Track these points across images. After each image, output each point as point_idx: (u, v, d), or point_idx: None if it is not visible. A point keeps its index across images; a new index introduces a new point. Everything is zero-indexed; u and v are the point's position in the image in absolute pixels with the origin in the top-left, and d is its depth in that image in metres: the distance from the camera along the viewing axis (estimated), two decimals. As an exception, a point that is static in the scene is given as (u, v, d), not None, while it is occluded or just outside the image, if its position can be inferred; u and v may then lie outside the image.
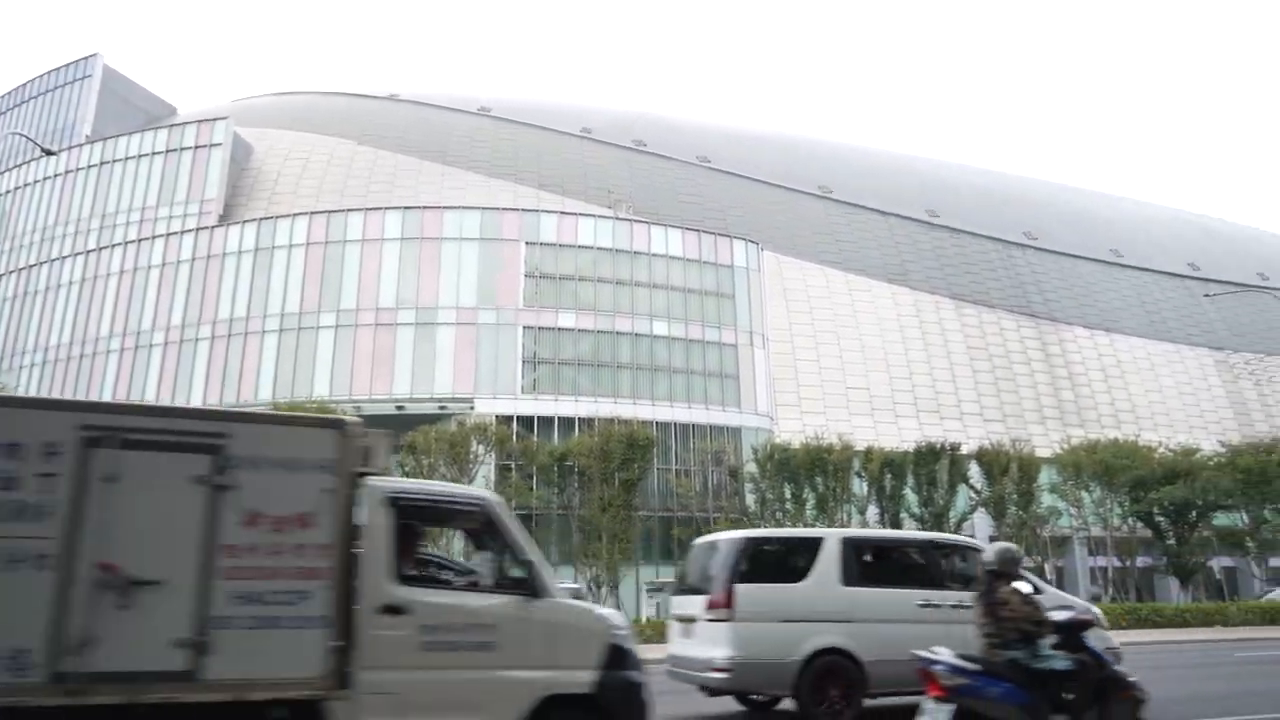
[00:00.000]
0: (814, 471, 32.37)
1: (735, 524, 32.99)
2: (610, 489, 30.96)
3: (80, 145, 52.01)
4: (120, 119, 56.80)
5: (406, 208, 43.29)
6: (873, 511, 33.79)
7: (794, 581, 9.87)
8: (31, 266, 48.54)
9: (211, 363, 40.84)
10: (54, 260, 47.64)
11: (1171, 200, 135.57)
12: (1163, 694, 9.86)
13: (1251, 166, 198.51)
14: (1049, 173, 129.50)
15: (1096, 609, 12.19)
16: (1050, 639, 6.82)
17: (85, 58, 60.21)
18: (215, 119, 50.54)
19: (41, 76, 61.34)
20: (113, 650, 5.27)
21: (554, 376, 40.49)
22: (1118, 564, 35.91)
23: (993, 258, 59.83)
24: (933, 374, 52.06)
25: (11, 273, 49.45)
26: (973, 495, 34.84)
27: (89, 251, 46.52)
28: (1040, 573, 30.11)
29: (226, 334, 41.22)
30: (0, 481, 5.28)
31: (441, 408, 38.49)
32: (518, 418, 38.23)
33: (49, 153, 40.29)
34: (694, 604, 10.07)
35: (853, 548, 10.26)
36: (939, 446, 33.87)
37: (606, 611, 7.22)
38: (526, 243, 42.16)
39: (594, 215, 45.50)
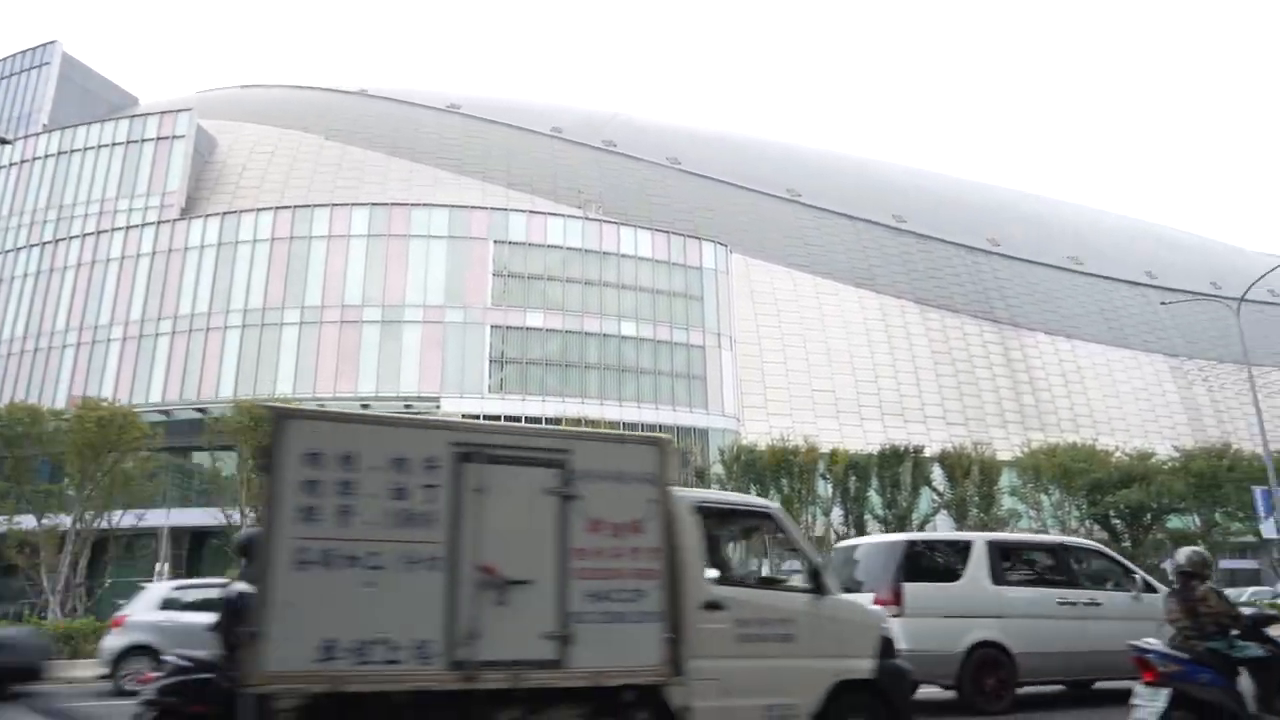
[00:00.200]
0: (780, 473, 32.54)
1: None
2: (577, 489, 30.90)
3: (37, 134, 50.80)
4: (79, 108, 55.56)
5: (374, 204, 42.88)
6: (837, 513, 34.06)
7: (950, 581, 10.74)
8: (-15, 258, 47.35)
9: (172, 358, 40.13)
10: (8, 252, 46.52)
11: (1127, 209, 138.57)
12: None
13: (1202, 177, 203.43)
14: (1011, 180, 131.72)
15: None
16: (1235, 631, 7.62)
17: (43, 44, 58.82)
18: (179, 110, 49.63)
19: (-3, 63, 59.86)
20: (495, 641, 5.91)
21: (521, 376, 40.36)
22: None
23: (957, 263, 60.69)
24: (897, 377, 52.68)
25: (-37, 264, 48.20)
26: (935, 497, 35.27)
27: (45, 243, 45.47)
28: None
29: (188, 329, 40.53)
30: (393, 492, 5.86)
31: (407, 406, 38.18)
32: (484, 417, 38.05)
33: (3, 141, 39.36)
34: None
35: (997, 550, 11.18)
36: (903, 449, 34.22)
37: (876, 608, 8.07)
38: (495, 241, 41.98)
39: (563, 215, 45.42)
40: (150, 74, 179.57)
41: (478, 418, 37.46)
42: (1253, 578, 42.52)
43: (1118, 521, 35.05)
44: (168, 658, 7.22)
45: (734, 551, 9.97)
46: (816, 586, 7.36)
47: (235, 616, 6.58)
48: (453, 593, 5.88)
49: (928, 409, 52.17)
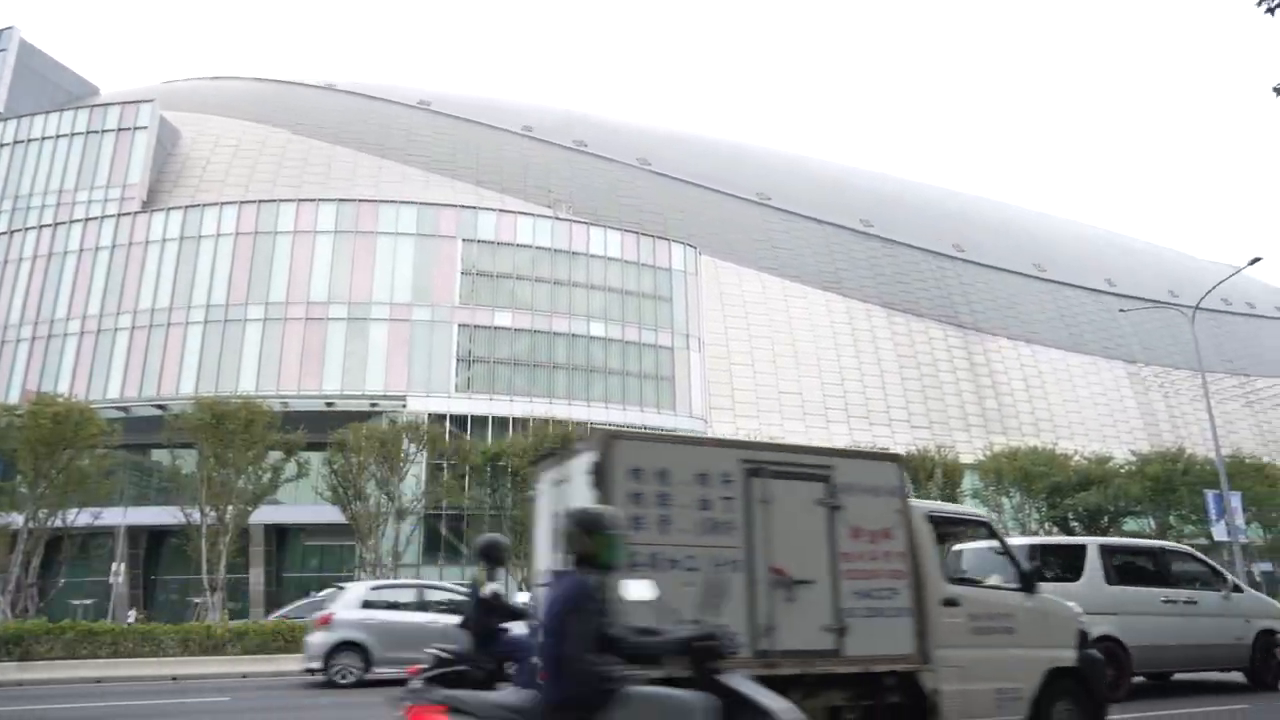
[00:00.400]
0: (746, 474, 32.69)
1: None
2: (543, 489, 30.79)
3: (-7, 123, 49.53)
4: (37, 97, 54.29)
5: (341, 200, 42.41)
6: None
7: (1068, 581, 11.50)
8: (-64, 248, 46.05)
9: (131, 354, 39.36)
10: (-39, 242, 45.27)
11: (1088, 217, 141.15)
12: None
13: (1160, 186, 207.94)
14: (977, 187, 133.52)
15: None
16: None
17: (0, 30, 57.38)
18: (141, 101, 48.69)
19: (-49, 49, 58.22)
20: (787, 633, 6.70)
21: (489, 375, 40.15)
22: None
23: (923, 268, 61.45)
24: (863, 380, 53.21)
25: (-86, 254, 46.83)
26: (899, 499, 35.67)
27: (0, 234, 44.36)
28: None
29: (148, 325, 39.78)
30: (699, 503, 6.62)
31: (373, 405, 37.81)
32: (451, 417, 37.80)
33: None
34: None
35: (1109, 553, 12.28)
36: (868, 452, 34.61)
37: (1073, 604, 8.75)
38: (464, 240, 41.73)
39: (533, 214, 45.27)
40: (112, 64, 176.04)
41: (444, 417, 37.25)
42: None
43: (1076, 524, 35.74)
44: (430, 650, 8.08)
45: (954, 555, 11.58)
46: (1026, 585, 8.19)
47: (490, 613, 7.93)
48: (752, 591, 6.66)
49: (893, 412, 52.76)
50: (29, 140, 47.40)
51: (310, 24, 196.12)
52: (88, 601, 34.71)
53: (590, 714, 3.93)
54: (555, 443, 31.37)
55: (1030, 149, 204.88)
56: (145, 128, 46.87)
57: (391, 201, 42.75)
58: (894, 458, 8.13)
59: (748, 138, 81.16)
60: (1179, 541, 36.43)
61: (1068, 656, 8.04)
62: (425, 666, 7.81)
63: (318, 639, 14.57)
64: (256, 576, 36.74)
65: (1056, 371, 60.58)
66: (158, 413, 35.34)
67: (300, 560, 40.60)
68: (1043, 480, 35.17)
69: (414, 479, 31.72)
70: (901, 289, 58.94)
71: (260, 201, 42.37)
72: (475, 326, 40.62)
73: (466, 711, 4.17)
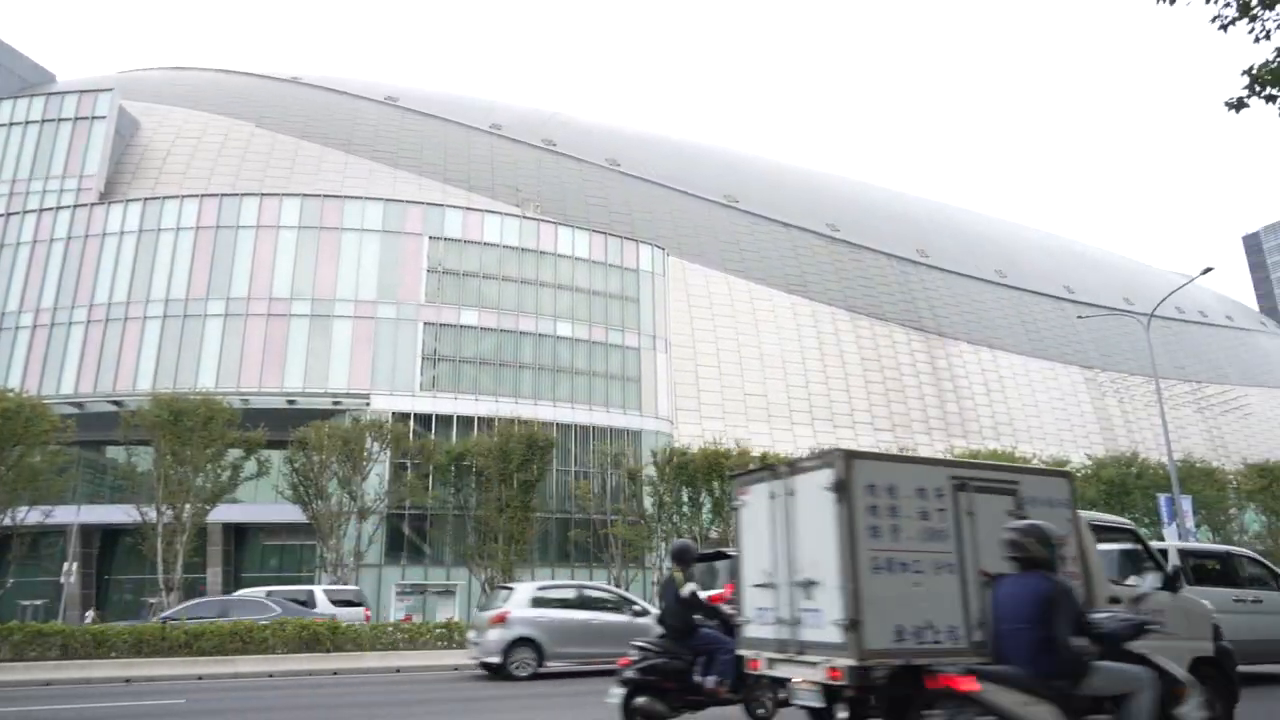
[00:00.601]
0: (712, 476, 32.85)
1: (633, 526, 33.27)
2: (508, 490, 30.70)
3: (-57, 109, 48.13)
4: (-10, 84, 52.90)
5: (305, 195, 41.84)
6: (766, 516, 34.49)
7: None
8: (-119, 237, 44.63)
9: (86, 348, 38.49)
10: (-92, 232, 43.93)
11: (1049, 225, 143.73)
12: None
13: (1118, 197, 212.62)
14: (940, 193, 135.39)
15: None
16: None
17: (-48, 15, 55.79)
18: (99, 90, 47.60)
19: (-100, 32, 56.43)
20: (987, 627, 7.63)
21: (454, 374, 39.89)
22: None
23: (887, 273, 62.20)
24: (828, 382, 53.72)
25: None
26: (861, 501, 36.04)
27: (-51, 224, 43.11)
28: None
29: (104, 319, 38.94)
30: (920, 514, 7.58)
31: (336, 403, 37.39)
32: (415, 415, 37.50)
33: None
34: None
35: (1187, 555, 13.38)
36: (831, 453, 34.85)
37: (1207, 602, 9.74)
38: (430, 237, 41.40)
39: (500, 213, 45.04)
40: (70, 51, 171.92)
41: (409, 416, 36.95)
42: (1156, 581, 44.52)
43: (1033, 526, 36.33)
44: (639, 642, 9.19)
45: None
46: (1170, 585, 9.33)
47: (689, 610, 9.10)
48: (964, 590, 7.60)
49: (856, 414, 53.33)
50: (-19, 128, 46.12)
51: (276, 16, 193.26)
52: (38, 602, 33.91)
53: (1074, 684, 5.35)
54: (520, 442, 31.35)
55: (993, 157, 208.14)
56: (104, 117, 45.87)
57: (357, 197, 42.28)
58: (1065, 474, 9.09)
59: (717, 140, 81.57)
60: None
61: (1207, 647, 9.12)
62: (634, 658, 8.97)
63: (494, 635, 15.54)
64: (214, 576, 36.14)
65: (1016, 376, 61.67)
66: (113, 409, 34.61)
67: (259, 560, 40.01)
68: (1002, 483, 35.74)
69: (377, 478, 31.42)
70: (866, 293, 59.61)
71: (222, 195, 41.67)
72: (441, 325, 40.32)
73: (996, 679, 5.40)
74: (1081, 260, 78.91)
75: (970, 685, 5.48)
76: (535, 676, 15.17)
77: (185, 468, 27.50)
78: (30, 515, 26.52)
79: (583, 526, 37.32)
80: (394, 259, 40.59)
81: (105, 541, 38.77)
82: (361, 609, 24.03)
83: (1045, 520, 7.80)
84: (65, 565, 31.83)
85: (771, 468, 8.65)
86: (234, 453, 29.05)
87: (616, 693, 8.88)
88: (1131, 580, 9.72)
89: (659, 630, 9.59)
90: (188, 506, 27.52)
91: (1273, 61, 8.35)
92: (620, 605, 16.90)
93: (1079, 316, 59.34)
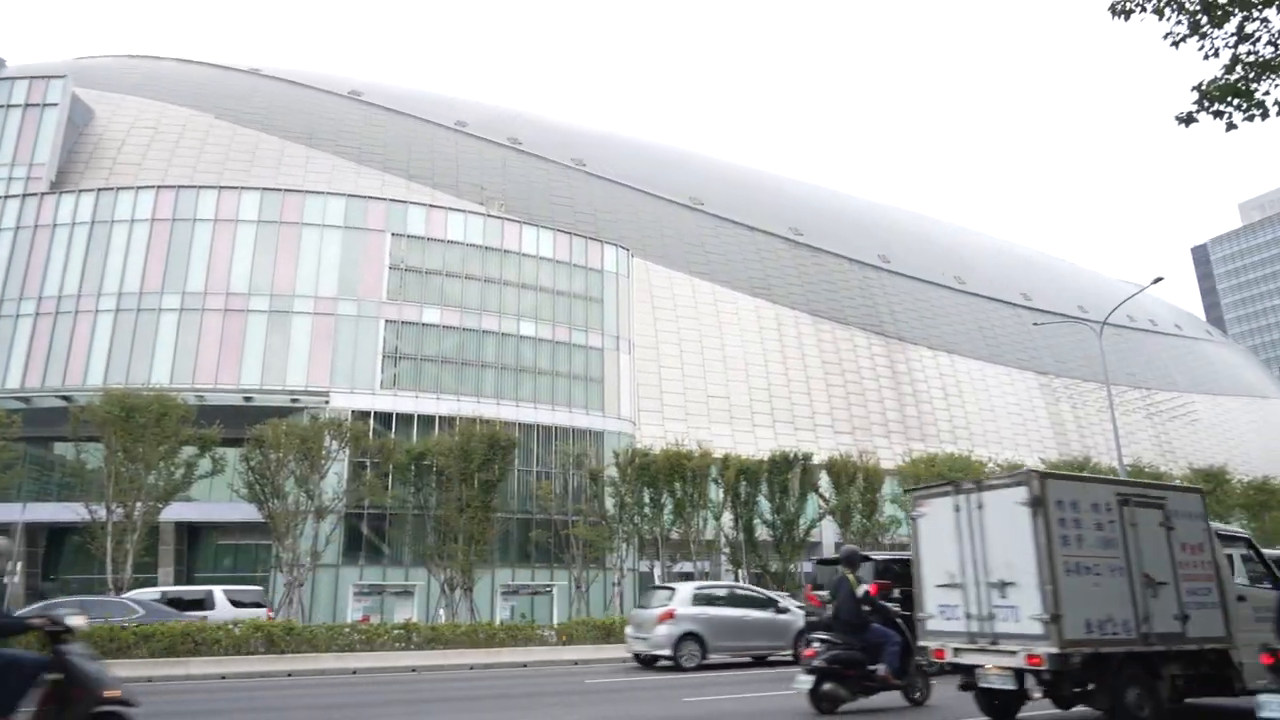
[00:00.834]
0: (673, 477, 32.97)
1: (594, 527, 33.24)
2: (469, 490, 30.47)
3: (-114, 92, 46.48)
4: (-64, 67, 51.22)
5: (265, 189, 41.14)
6: (728, 518, 34.72)
7: None
8: None
9: (34, 341, 37.45)
10: None
11: (1005, 233, 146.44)
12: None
13: (1074, 206, 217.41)
14: (902, 200, 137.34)
15: None
16: None
17: (-103, -5, 53.94)
18: (51, 76, 46.29)
19: None
20: (1155, 621, 9.40)
21: (415, 373, 39.51)
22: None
23: (850, 277, 62.88)
24: (789, 385, 54.15)
25: None
26: (822, 503, 36.44)
27: (-109, 211, 41.66)
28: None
29: (53, 311, 37.93)
30: (1096, 525, 9.26)
31: (294, 400, 36.83)
32: (375, 414, 37.09)
33: None
34: None
35: (1245, 560, 14.94)
36: (792, 456, 35.21)
37: (1275, 593, 10.73)
38: (393, 234, 40.97)
39: (464, 210, 44.71)
40: (21, 36, 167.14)
41: (369, 414, 36.52)
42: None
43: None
44: (820, 636, 10.70)
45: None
46: (1275, 582, 11.12)
47: (863, 608, 10.64)
48: (1133, 590, 9.27)
49: (817, 417, 53.83)
50: (-74, 113, 44.62)
51: (237, 7, 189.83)
52: (-20, 602, 32.92)
53: None
54: (481, 442, 31.12)
55: (953, 166, 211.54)
56: (55, 104, 44.63)
57: (318, 192, 41.67)
58: (1199, 491, 10.95)
59: (682, 143, 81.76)
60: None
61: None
62: (819, 650, 10.38)
63: (664, 630, 17.22)
64: (166, 576, 35.38)
65: (973, 381, 62.71)
66: (62, 404, 33.73)
67: (213, 559, 39.26)
68: (958, 486, 36.28)
69: (335, 477, 31.00)
70: (828, 297, 60.21)
71: (179, 187, 40.82)
72: (403, 323, 39.92)
73: None
74: (1038, 268, 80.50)
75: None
76: (701, 667, 16.86)
77: (137, 465, 26.90)
78: (-27, 513, 25.75)
79: (544, 527, 37.19)
80: (355, 255, 40.09)
81: (52, 541, 37.76)
82: (263, 610, 23.71)
83: (1189, 530, 10.12)
84: (9, 564, 30.93)
85: (954, 483, 10.11)
86: (188, 450, 28.47)
87: (805, 679, 10.21)
88: (1242, 581, 11.18)
89: (807, 623, 11.63)
90: (139, 505, 26.92)
91: (1221, 78, 8.61)
92: (766, 603, 18.74)
93: (1035, 323, 60.52)
